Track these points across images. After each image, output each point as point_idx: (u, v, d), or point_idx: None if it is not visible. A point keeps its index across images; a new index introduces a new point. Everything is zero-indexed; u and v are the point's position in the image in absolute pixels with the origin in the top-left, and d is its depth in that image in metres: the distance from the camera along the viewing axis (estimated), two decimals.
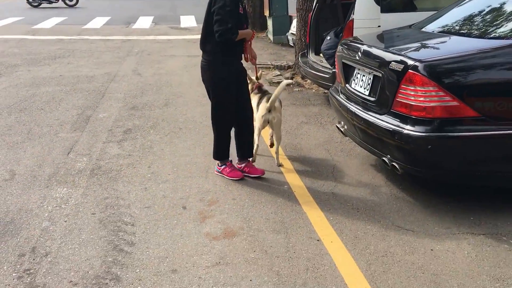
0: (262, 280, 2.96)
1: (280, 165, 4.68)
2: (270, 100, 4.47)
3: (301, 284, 2.92)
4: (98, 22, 17.30)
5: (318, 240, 3.40)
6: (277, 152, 4.69)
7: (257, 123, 4.56)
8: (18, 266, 3.14)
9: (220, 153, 4.47)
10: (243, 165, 4.49)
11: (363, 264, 3.12)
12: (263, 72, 7.73)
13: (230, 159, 4.52)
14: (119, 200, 4.03)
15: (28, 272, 3.07)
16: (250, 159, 4.56)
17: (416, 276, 3.00)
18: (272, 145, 4.87)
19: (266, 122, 4.55)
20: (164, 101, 7.11)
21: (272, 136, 4.84)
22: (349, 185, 4.29)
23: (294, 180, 4.38)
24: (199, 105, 6.83)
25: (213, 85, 4.28)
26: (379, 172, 4.53)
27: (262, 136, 4.85)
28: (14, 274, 3.05)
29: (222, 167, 4.46)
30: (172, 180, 4.40)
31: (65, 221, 3.68)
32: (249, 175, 4.43)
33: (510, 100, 3.46)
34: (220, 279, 2.98)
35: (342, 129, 4.63)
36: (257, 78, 4.83)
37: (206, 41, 4.20)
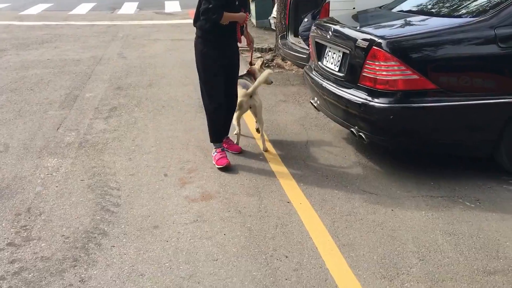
0: (235, 234, 3.29)
1: (265, 150, 4.68)
2: (253, 87, 4.55)
3: (270, 238, 3.25)
4: (83, 8, 17.39)
5: (288, 202, 3.73)
6: (262, 136, 4.71)
7: (237, 109, 4.62)
8: (15, 223, 3.44)
9: (212, 135, 4.51)
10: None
11: (328, 222, 3.45)
12: (242, 55, 8.00)
13: (224, 146, 4.60)
14: (105, 169, 4.32)
15: (24, 228, 3.38)
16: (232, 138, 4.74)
17: (375, 231, 3.34)
18: (258, 131, 4.97)
19: (248, 107, 4.66)
20: (148, 81, 7.36)
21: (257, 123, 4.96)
22: (320, 156, 4.61)
23: (269, 151, 4.68)
24: (181, 85, 7.11)
25: (198, 62, 4.39)
26: (350, 145, 4.85)
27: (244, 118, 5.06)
28: (12, 230, 3.36)
29: (214, 154, 4.45)
30: (155, 152, 4.70)
31: (57, 186, 3.98)
32: (227, 150, 4.66)
33: (465, 75, 3.80)
34: (197, 233, 3.30)
35: (315, 104, 4.94)
36: (250, 63, 4.93)
37: (198, 18, 4.27)
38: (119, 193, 3.87)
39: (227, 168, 4.29)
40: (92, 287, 2.77)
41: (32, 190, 3.92)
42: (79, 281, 2.82)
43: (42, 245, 3.17)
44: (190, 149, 4.76)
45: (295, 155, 4.62)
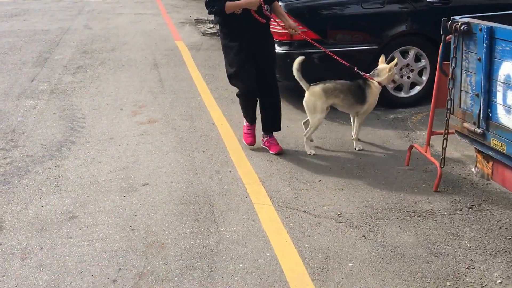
0: (169, 141, 4.55)
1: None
2: None
3: (194, 143, 4.51)
4: None
5: (213, 124, 4.99)
6: None
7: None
8: (4, 138, 4.64)
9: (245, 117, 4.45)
10: (265, 139, 4.43)
11: (239, 136, 4.70)
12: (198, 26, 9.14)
13: (265, 145, 4.39)
14: (73, 106, 5.51)
15: (12, 140, 4.58)
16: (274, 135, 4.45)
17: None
18: None
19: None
20: (111, 47, 8.48)
21: None
22: None
23: (204, 92, 5.92)
24: (140, 50, 8.26)
25: (223, 53, 4.33)
26: None
27: None
28: (2, 142, 4.56)
29: (265, 139, 4.39)
30: (114, 95, 5.89)
31: (34, 117, 5.16)
32: (268, 150, 4.35)
33: (341, 29, 5.14)
34: (142, 141, 4.55)
35: None
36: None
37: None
38: (84, 120, 5.07)
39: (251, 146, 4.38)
40: (64, 169, 4.00)
41: (15, 119, 5.10)
42: (55, 166, 4.05)
43: (27, 149, 4.38)
44: (143, 93, 5.96)
45: (226, 95, 5.85)
